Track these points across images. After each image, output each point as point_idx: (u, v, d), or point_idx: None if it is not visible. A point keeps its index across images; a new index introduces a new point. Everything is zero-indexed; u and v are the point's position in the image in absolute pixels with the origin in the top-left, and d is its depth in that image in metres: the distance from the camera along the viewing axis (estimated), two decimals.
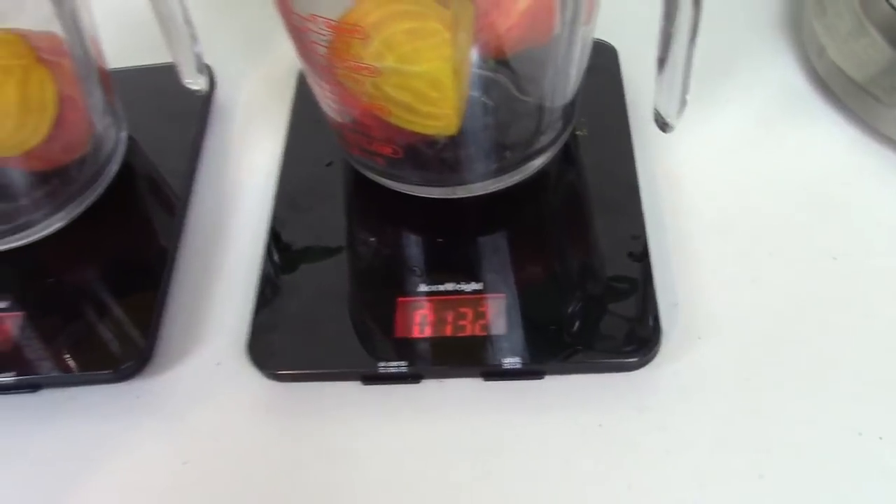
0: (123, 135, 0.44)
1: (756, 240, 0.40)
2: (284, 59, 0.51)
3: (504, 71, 0.39)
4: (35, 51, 0.37)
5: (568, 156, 0.43)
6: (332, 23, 0.34)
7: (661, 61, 0.35)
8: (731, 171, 0.43)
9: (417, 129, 0.37)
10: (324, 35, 0.35)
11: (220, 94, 0.50)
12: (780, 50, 0.48)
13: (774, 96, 0.46)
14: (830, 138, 0.43)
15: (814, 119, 0.44)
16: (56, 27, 0.38)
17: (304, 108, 0.47)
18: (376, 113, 0.37)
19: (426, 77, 0.35)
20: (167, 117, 0.48)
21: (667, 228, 0.41)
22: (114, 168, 0.44)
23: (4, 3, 0.34)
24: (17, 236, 0.41)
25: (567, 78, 0.38)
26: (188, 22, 0.40)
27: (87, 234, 0.43)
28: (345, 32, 0.34)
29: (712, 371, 0.36)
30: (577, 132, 0.43)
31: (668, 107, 0.37)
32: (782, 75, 0.46)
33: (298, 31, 0.36)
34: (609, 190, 0.41)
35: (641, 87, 0.45)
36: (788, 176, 0.42)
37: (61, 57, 0.38)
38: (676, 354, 0.37)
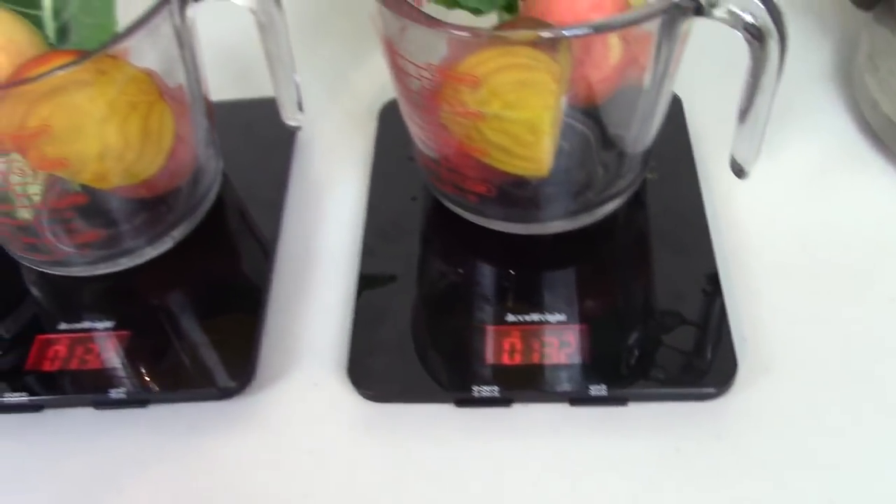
0: (220, 165, 0.47)
1: (815, 281, 0.43)
2: (364, 96, 0.54)
3: (590, 119, 0.42)
4: (159, 87, 0.40)
5: (639, 197, 0.46)
6: (445, 70, 0.37)
7: (744, 112, 0.38)
8: (790, 215, 0.46)
9: (511, 170, 0.40)
10: (431, 80, 0.38)
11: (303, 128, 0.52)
12: (834, 102, 0.51)
13: (829, 146, 0.49)
14: (884, 187, 0.46)
15: (867, 168, 0.47)
16: (178, 65, 0.40)
17: (386, 143, 0.50)
18: (474, 154, 0.40)
19: (527, 123, 0.38)
20: (254, 149, 0.50)
21: (731, 267, 0.43)
22: (212, 197, 0.46)
23: (139, 44, 0.37)
24: (122, 260, 0.44)
25: (649, 127, 0.41)
26: (293, 62, 0.43)
27: (187, 259, 0.45)
28: (456, 80, 0.37)
29: (782, 401, 0.39)
30: (648, 175, 0.46)
31: (746, 155, 0.40)
32: (836, 126, 0.49)
33: (404, 75, 0.39)
34: (680, 230, 0.44)
35: (703, 134, 0.49)
36: (844, 221, 0.45)
37: (179, 92, 0.41)
38: (748, 385, 0.39)
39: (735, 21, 0.35)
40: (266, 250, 0.46)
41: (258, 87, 0.51)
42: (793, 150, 0.49)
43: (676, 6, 0.35)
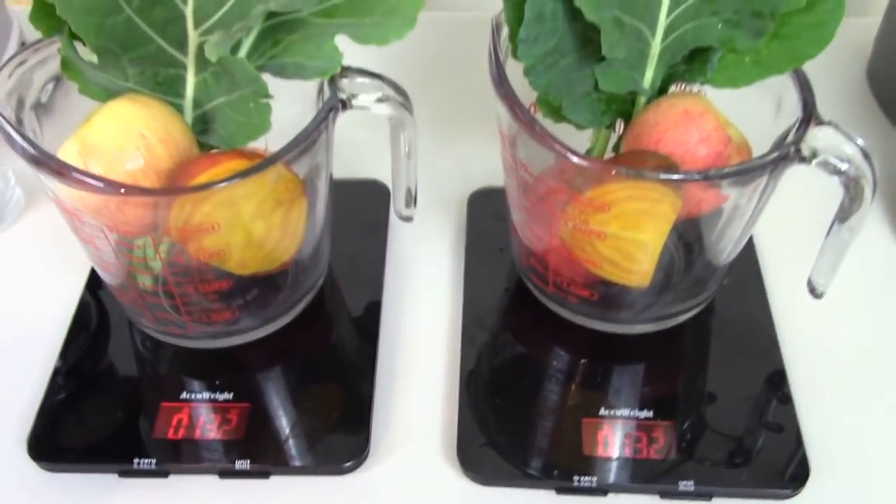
0: (329, 247, 0.51)
1: (866, 385, 0.48)
2: (451, 184, 0.58)
3: (681, 240, 0.46)
4: (302, 185, 0.43)
5: (713, 303, 0.50)
6: (578, 196, 0.41)
7: (828, 243, 0.43)
8: (847, 326, 0.51)
9: (616, 280, 0.44)
10: (561, 200, 0.42)
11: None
12: (880, 221, 0.56)
13: (874, 262, 0.54)
14: None
15: None
16: (321, 166, 0.44)
17: (476, 232, 0.54)
18: (584, 264, 0.44)
19: (641, 244, 0.42)
20: (351, 230, 0.54)
21: (796, 372, 0.48)
22: (322, 277, 0.50)
23: (296, 153, 0.41)
24: (242, 336, 0.47)
25: (735, 248, 0.46)
26: (416, 163, 0.47)
27: (298, 337, 0.49)
28: (587, 205, 0.41)
29: (845, 500, 0.43)
30: (723, 282, 0.50)
31: (824, 279, 0.45)
32: (880, 242, 0.54)
33: (538, 198, 0.43)
34: (751, 335, 0.49)
35: (767, 246, 0.53)
36: (893, 332, 0.50)
37: (315, 188, 0.45)
38: (818, 485, 0.44)
39: (832, 169, 0.40)
40: (370, 330, 0.50)
41: (349, 168, 0.55)
42: (846, 264, 0.53)
43: (786, 156, 0.39)
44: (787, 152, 0.39)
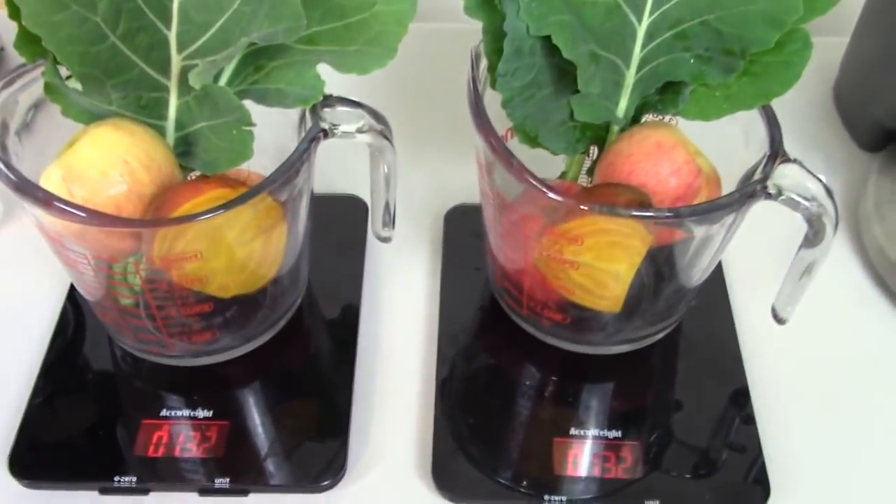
0: (308, 266, 0.52)
1: (826, 406, 0.50)
2: (427, 200, 0.59)
3: (652, 266, 0.48)
4: (283, 212, 0.44)
5: (681, 325, 0.52)
6: (552, 228, 0.42)
7: (792, 274, 0.45)
8: (808, 349, 0.52)
9: (589, 305, 0.46)
10: (536, 231, 0.43)
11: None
12: (842, 241, 0.58)
13: (839, 285, 0.56)
14: (887, 327, 0.54)
15: (873, 308, 0.54)
16: (301, 192, 0.45)
17: (452, 249, 0.55)
18: (558, 290, 0.46)
19: (613, 273, 0.44)
20: (328, 246, 0.55)
21: (759, 392, 0.50)
22: (301, 295, 0.51)
23: (279, 183, 0.41)
24: (221, 354, 0.48)
25: (704, 274, 0.48)
26: (395, 187, 0.48)
27: (276, 355, 0.50)
28: (561, 236, 0.42)
29: None
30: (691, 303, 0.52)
31: (788, 307, 0.46)
32: (844, 266, 0.56)
33: (513, 224, 0.45)
34: (717, 355, 0.51)
35: (735, 269, 0.55)
36: (849, 355, 0.52)
37: (295, 212, 0.46)
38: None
39: (796, 206, 0.42)
40: (347, 346, 0.51)
41: (327, 181, 0.56)
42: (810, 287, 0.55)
43: (753, 194, 0.41)
44: (754, 190, 0.41)
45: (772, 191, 0.41)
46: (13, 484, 0.45)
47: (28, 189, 0.39)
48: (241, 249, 0.43)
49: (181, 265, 0.41)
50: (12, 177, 0.39)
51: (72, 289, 0.53)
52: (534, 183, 0.40)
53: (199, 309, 0.44)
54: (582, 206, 0.40)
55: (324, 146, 0.44)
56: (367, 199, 0.57)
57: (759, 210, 0.45)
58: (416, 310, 0.54)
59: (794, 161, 0.42)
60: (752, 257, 0.55)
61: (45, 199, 0.39)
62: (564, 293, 0.46)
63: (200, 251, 0.41)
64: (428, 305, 0.54)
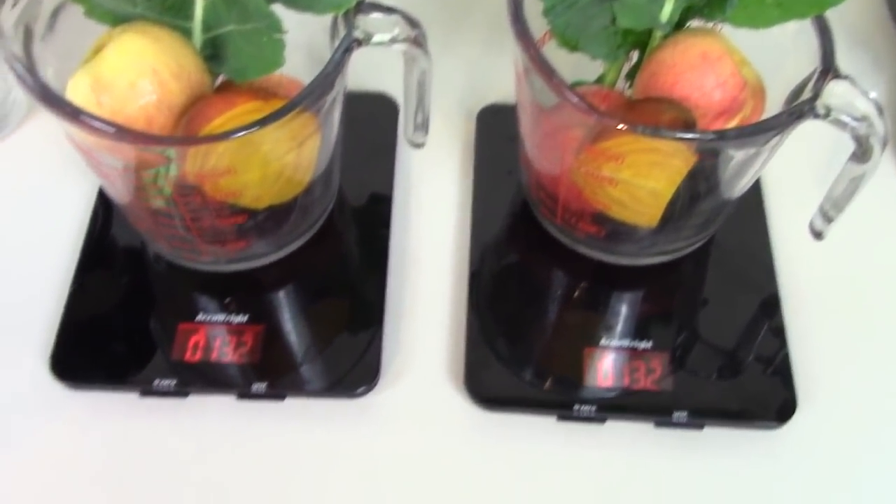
0: (339, 172, 0.51)
1: (859, 323, 0.50)
2: (460, 98, 0.57)
3: (696, 182, 0.47)
4: (316, 122, 0.43)
5: (715, 236, 0.51)
6: (591, 146, 0.41)
7: (834, 191, 0.44)
8: (842, 263, 0.52)
9: (625, 219, 0.45)
10: (574, 146, 0.42)
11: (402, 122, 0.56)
12: (888, 159, 0.56)
13: (879, 192, 0.54)
14: None
15: None
16: (335, 102, 0.44)
17: (485, 152, 0.54)
18: (594, 204, 0.45)
19: (652, 191, 0.43)
20: (359, 147, 0.54)
21: (791, 306, 0.50)
22: (333, 201, 0.51)
23: (313, 97, 0.40)
24: (256, 260, 0.48)
25: (746, 187, 0.47)
26: (430, 93, 0.47)
27: (310, 260, 0.50)
28: (600, 154, 0.41)
29: (834, 432, 0.46)
30: None
31: (826, 223, 0.46)
32: (883, 183, 0.55)
33: (550, 137, 0.43)
34: (749, 268, 0.50)
35: (773, 182, 0.54)
36: (888, 272, 0.52)
37: (328, 122, 0.45)
38: (804, 417, 0.46)
39: (845, 126, 0.40)
40: (379, 252, 0.51)
41: (357, 78, 0.55)
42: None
43: (801, 114, 0.40)
44: (802, 110, 0.40)
45: (820, 111, 0.40)
46: (56, 385, 0.46)
47: (57, 103, 0.38)
48: (274, 162, 0.43)
49: (214, 180, 0.41)
50: (40, 90, 0.38)
51: (101, 191, 0.53)
52: (574, 100, 0.39)
53: (232, 220, 0.44)
54: (624, 127, 0.39)
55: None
56: (398, 98, 0.56)
57: (804, 125, 0.44)
58: (448, 215, 0.53)
59: (846, 78, 0.40)
60: (791, 170, 0.54)
61: (74, 114, 0.38)
62: (601, 207, 0.45)
63: (233, 166, 0.40)
64: (460, 210, 0.53)
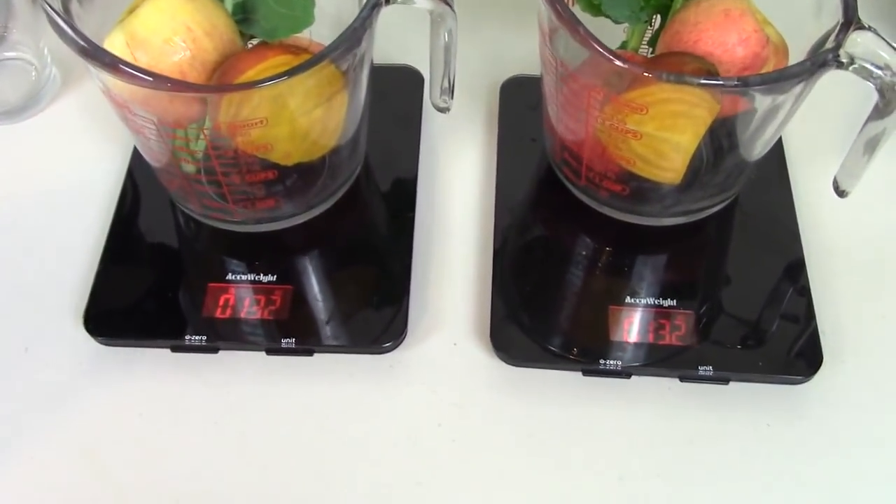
0: (366, 136, 0.52)
1: (883, 280, 0.50)
2: (482, 71, 0.58)
3: (719, 139, 0.47)
4: (344, 79, 0.44)
5: (738, 198, 0.52)
6: (616, 97, 0.42)
7: (857, 146, 0.44)
8: (869, 221, 0.52)
9: (649, 176, 0.46)
10: (599, 101, 0.43)
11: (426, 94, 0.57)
12: None
13: None
14: None
15: None
16: (362, 60, 0.45)
17: (508, 120, 0.55)
18: (618, 160, 0.46)
19: (676, 145, 0.43)
20: (384, 117, 0.54)
21: (815, 266, 0.50)
22: (360, 164, 0.51)
23: (341, 51, 0.41)
24: (283, 221, 0.49)
25: (768, 144, 0.47)
26: (456, 54, 0.47)
27: (338, 223, 0.51)
28: (624, 105, 0.42)
29: (857, 388, 0.46)
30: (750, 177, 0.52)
31: (850, 179, 0.46)
32: None
33: (575, 94, 0.44)
34: (774, 229, 0.51)
35: (793, 141, 0.55)
36: None
37: (356, 81, 0.46)
38: (829, 373, 0.47)
39: (868, 75, 0.41)
40: (405, 216, 0.51)
41: (381, 52, 0.55)
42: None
43: (824, 63, 0.40)
44: (825, 58, 0.40)
45: (843, 59, 0.40)
46: (89, 341, 0.47)
47: (96, 54, 0.39)
48: (303, 117, 0.44)
49: (246, 131, 0.42)
50: (80, 41, 0.39)
51: (134, 157, 0.54)
52: (600, 50, 0.40)
53: (262, 176, 0.45)
54: (648, 74, 0.40)
55: (381, 15, 0.44)
56: (423, 70, 0.57)
57: (823, 82, 0.44)
58: (473, 180, 0.54)
59: (869, 28, 0.41)
60: (813, 131, 0.55)
61: (113, 64, 0.39)
62: (625, 164, 0.46)
63: (265, 117, 0.41)
64: (484, 176, 0.54)
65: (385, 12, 0.43)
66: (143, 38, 0.42)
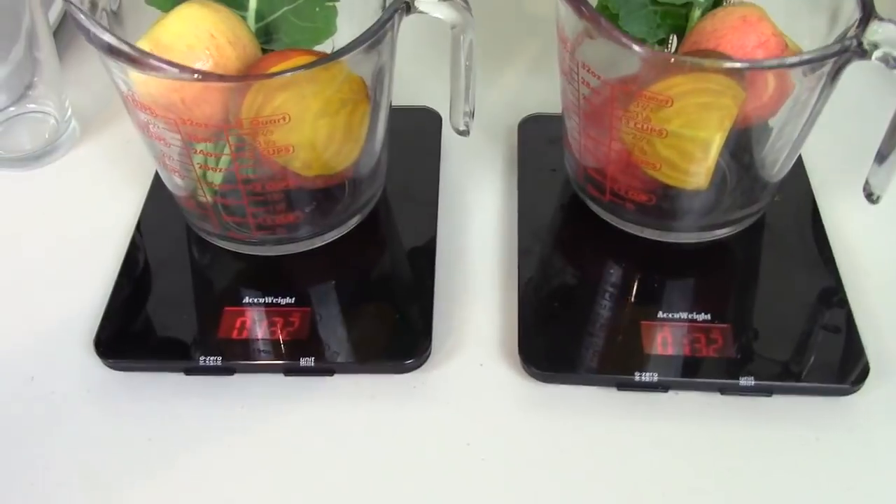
0: (386, 161, 0.51)
1: None
2: (497, 112, 0.59)
3: (742, 148, 0.47)
4: (366, 89, 0.44)
5: (765, 216, 0.51)
6: (641, 92, 0.42)
7: (886, 145, 0.43)
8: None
9: (674, 183, 0.45)
10: (616, 96, 0.43)
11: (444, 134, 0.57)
12: None
13: None
14: None
15: None
16: (384, 70, 0.45)
17: (528, 154, 0.55)
18: (642, 166, 0.45)
19: (701, 142, 0.43)
20: (404, 153, 0.54)
21: (849, 281, 0.48)
22: (380, 190, 0.51)
23: (362, 49, 0.41)
24: (301, 244, 0.48)
25: (792, 157, 0.46)
26: (476, 74, 0.48)
27: (357, 247, 0.50)
28: (650, 100, 0.42)
29: None
30: (775, 198, 0.51)
31: (882, 183, 0.45)
32: None
33: (599, 100, 0.44)
34: (805, 245, 0.50)
35: (815, 159, 0.54)
36: None
37: (378, 94, 0.46)
38: (875, 385, 0.44)
39: (893, 62, 0.41)
40: (427, 242, 0.50)
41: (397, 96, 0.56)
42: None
43: (847, 49, 0.40)
44: (849, 45, 0.40)
45: (866, 47, 0.40)
46: (100, 366, 0.45)
47: (120, 48, 0.39)
48: (324, 123, 0.43)
49: (268, 130, 0.41)
50: (105, 38, 0.39)
51: (151, 191, 0.53)
52: (624, 40, 0.40)
53: (283, 184, 0.44)
54: (674, 60, 0.40)
55: (398, 55, 0.45)
56: (440, 111, 0.57)
57: (840, 101, 0.44)
58: (494, 206, 0.53)
59: (889, 20, 0.41)
60: (832, 155, 0.55)
61: (138, 58, 0.39)
62: (650, 170, 0.45)
63: (287, 114, 0.41)
64: (505, 202, 0.53)
65: (401, 53, 0.44)
66: (167, 44, 0.42)
